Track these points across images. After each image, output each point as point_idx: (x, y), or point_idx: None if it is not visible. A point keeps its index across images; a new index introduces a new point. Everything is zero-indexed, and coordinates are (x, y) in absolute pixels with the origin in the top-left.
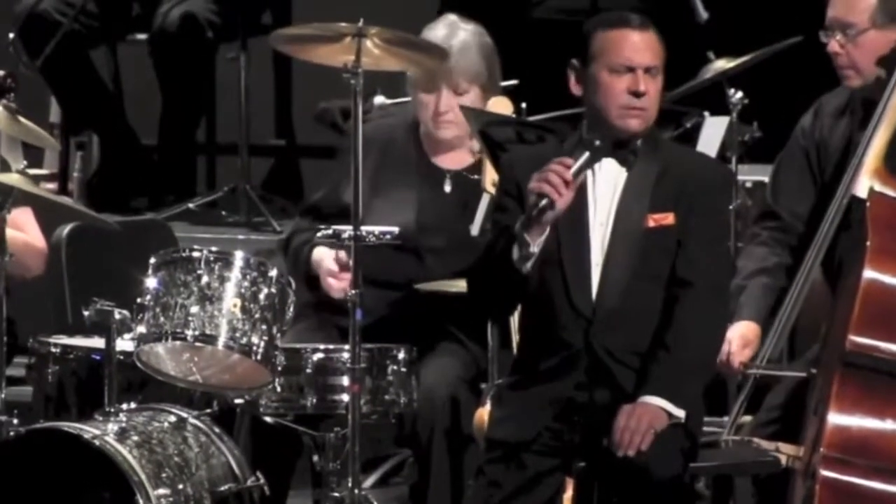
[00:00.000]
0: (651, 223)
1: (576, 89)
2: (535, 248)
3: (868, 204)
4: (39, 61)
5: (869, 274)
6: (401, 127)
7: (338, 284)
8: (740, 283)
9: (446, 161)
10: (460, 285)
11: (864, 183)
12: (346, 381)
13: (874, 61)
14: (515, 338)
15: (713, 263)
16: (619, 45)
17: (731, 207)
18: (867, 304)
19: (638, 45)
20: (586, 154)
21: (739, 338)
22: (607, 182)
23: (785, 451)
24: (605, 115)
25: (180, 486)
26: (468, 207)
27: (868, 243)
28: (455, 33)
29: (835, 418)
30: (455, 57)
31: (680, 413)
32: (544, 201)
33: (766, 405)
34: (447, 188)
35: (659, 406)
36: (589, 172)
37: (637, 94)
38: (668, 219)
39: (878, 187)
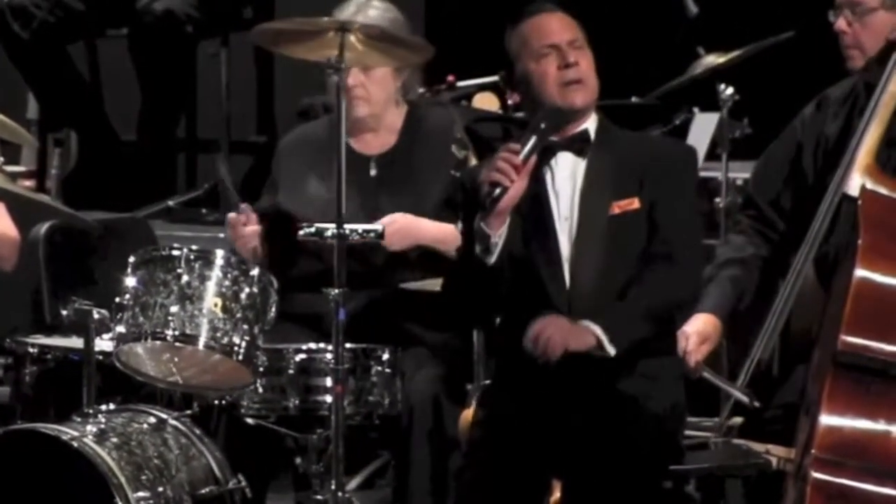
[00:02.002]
0: (616, 210)
1: (512, 98)
2: (496, 239)
3: (860, 202)
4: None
5: (860, 273)
6: (324, 123)
7: (239, 237)
8: (712, 270)
9: (368, 146)
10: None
11: (856, 180)
12: (329, 381)
13: (880, 42)
14: None
15: (685, 242)
16: (534, 31)
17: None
18: (858, 303)
19: (552, 24)
20: (533, 137)
21: (697, 334)
22: (566, 175)
23: (776, 453)
24: (548, 102)
25: (160, 489)
26: (395, 190)
27: (860, 241)
28: (363, 10)
29: (826, 419)
30: None
31: (611, 349)
32: (497, 190)
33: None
34: (373, 172)
35: (590, 330)
36: (547, 168)
37: (568, 65)
38: (634, 204)
39: (870, 185)
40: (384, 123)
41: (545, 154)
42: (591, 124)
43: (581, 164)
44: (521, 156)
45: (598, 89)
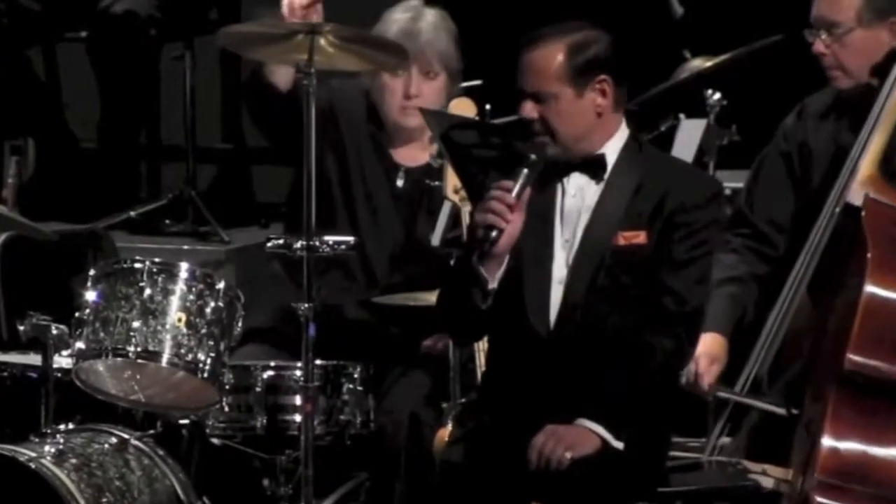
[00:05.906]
0: (621, 241)
1: None
2: (493, 284)
3: (864, 213)
4: None
5: (870, 289)
6: (359, 106)
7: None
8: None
9: (402, 155)
10: (419, 298)
11: (858, 191)
12: (298, 400)
13: (862, 61)
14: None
15: (685, 289)
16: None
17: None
18: (867, 320)
19: (521, 68)
20: (524, 171)
21: (706, 355)
22: (576, 197)
23: (773, 474)
24: None
25: None
26: (422, 210)
27: (868, 256)
28: (422, 15)
29: (830, 441)
30: (425, 37)
31: (618, 444)
32: (493, 233)
33: (746, 424)
34: (399, 183)
35: (593, 431)
36: (558, 186)
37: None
38: (640, 237)
39: (874, 195)
40: (426, 136)
41: (558, 171)
42: (610, 148)
43: (593, 188)
44: (514, 193)
45: (575, 137)
